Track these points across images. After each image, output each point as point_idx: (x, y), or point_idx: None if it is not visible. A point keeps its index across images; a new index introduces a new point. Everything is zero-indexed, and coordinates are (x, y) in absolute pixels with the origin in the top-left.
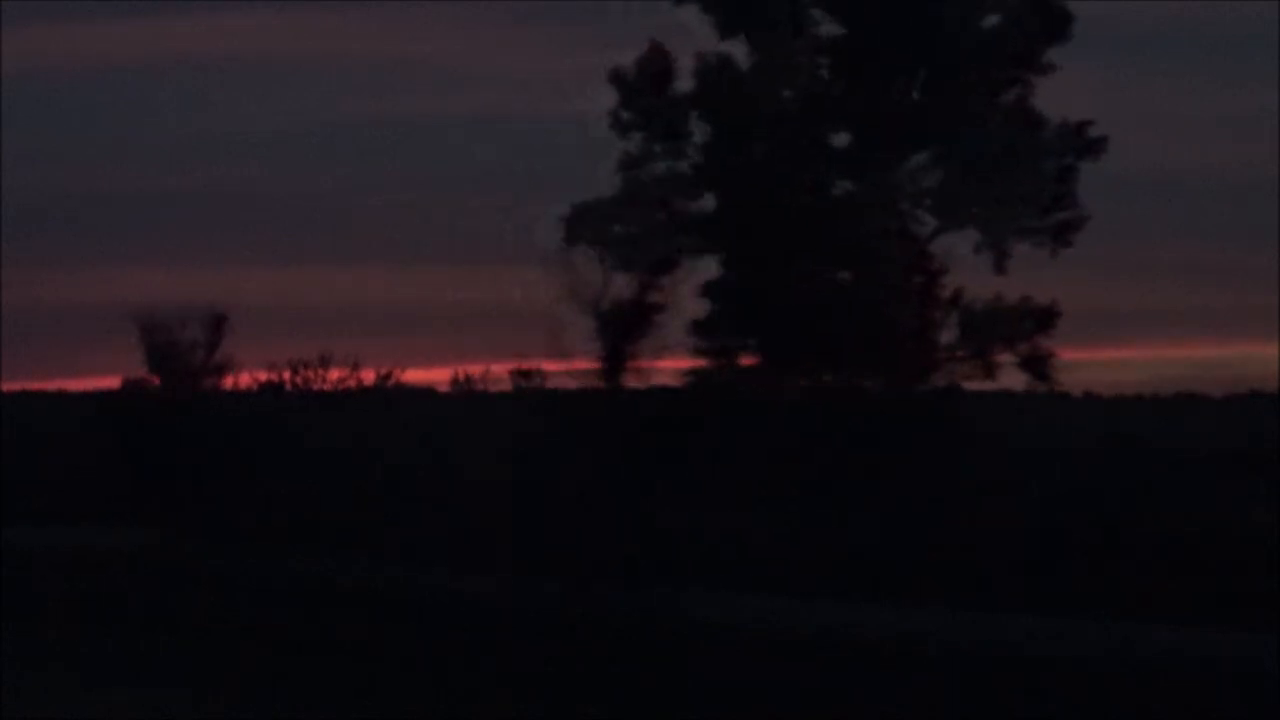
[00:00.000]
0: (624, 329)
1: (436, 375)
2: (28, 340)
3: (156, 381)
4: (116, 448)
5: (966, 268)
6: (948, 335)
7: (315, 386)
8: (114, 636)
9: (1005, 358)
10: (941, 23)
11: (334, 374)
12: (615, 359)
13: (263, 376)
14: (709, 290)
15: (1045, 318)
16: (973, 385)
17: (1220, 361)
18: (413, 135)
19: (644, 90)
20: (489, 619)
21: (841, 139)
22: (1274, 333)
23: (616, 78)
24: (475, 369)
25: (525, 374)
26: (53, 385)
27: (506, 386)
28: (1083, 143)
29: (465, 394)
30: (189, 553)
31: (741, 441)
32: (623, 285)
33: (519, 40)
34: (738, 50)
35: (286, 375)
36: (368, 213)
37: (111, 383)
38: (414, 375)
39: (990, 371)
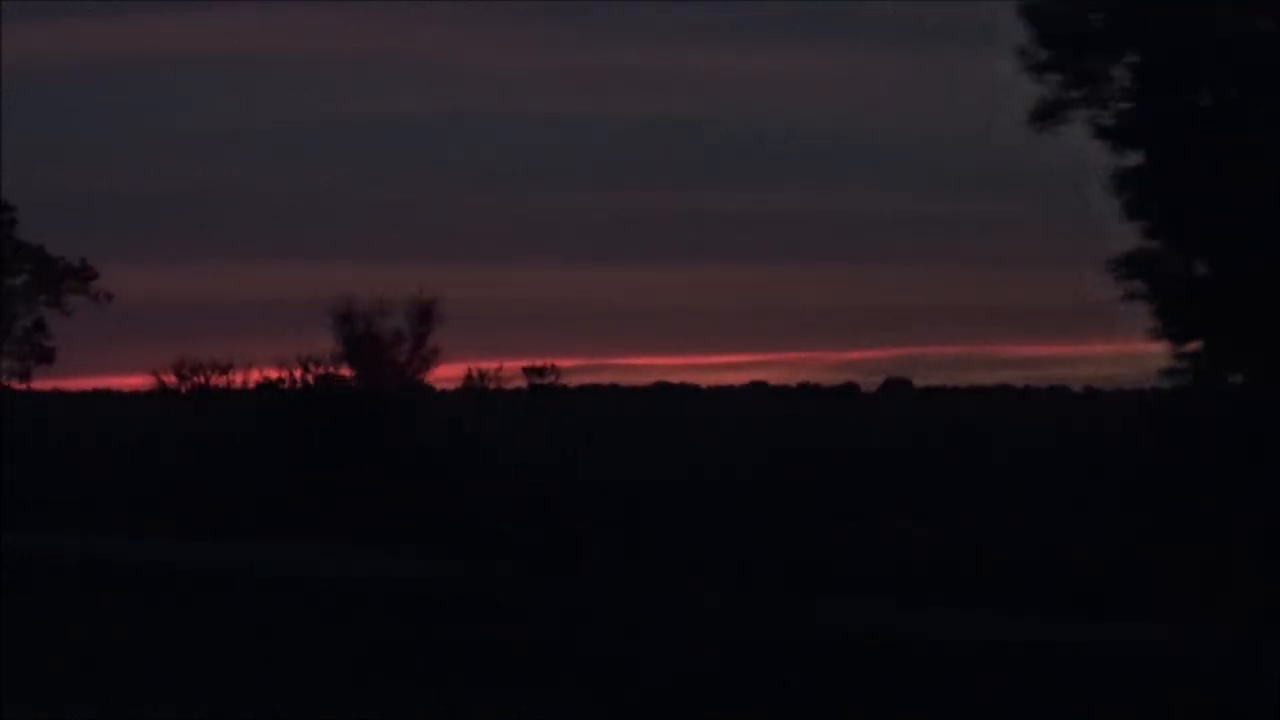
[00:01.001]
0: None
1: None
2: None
3: (350, 377)
4: (319, 451)
5: None
6: None
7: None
8: None
9: None
10: None
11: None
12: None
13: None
14: (1128, 267)
15: None
16: None
17: None
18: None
19: (1065, 23)
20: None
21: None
22: None
23: (1029, 11)
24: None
25: (539, 371)
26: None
27: (521, 383)
28: None
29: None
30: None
31: None
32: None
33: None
34: None
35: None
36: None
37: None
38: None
39: None
